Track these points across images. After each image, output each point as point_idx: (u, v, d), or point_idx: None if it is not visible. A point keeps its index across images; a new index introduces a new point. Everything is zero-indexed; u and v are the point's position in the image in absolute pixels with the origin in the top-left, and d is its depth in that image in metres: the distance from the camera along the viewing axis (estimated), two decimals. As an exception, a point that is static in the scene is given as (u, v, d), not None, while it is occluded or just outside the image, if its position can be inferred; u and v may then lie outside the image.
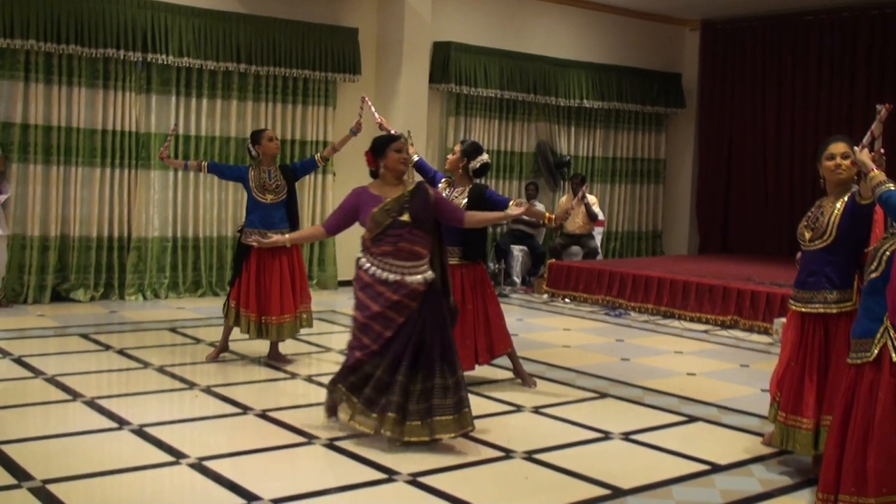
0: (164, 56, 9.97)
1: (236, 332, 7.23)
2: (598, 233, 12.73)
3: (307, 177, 11.07)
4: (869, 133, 4.43)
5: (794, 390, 4.85)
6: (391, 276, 5.15)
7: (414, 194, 5.29)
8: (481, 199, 6.39)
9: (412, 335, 5.13)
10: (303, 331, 8.67)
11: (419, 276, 5.17)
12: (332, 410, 5.54)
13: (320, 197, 11.29)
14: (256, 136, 7.23)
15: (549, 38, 13.19)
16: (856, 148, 4.35)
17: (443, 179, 6.77)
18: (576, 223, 12.24)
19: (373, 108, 7.07)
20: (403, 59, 11.41)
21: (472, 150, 6.64)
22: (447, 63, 11.92)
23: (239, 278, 7.10)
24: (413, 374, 5.10)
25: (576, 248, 12.32)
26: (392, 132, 7.01)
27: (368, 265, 5.21)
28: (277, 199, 7.11)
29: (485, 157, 6.64)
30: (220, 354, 7.28)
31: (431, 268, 5.26)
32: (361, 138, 7.33)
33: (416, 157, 6.93)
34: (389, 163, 5.36)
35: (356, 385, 5.22)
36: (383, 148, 5.38)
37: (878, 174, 4.07)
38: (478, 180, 6.71)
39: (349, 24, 11.31)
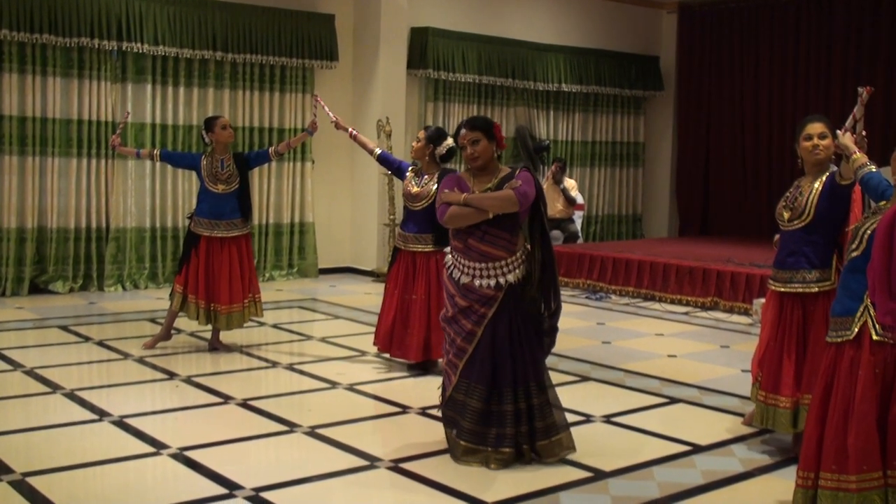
0: (139, 44, 9.89)
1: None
2: (578, 217, 12.75)
3: (286, 164, 11.08)
4: (851, 116, 4.45)
5: (773, 369, 4.89)
6: (463, 279, 4.71)
7: (500, 188, 4.72)
8: None
9: (486, 353, 4.68)
10: (284, 319, 8.70)
11: (491, 280, 4.67)
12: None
13: (299, 184, 11.25)
14: (209, 123, 7.14)
15: (526, 22, 13.16)
16: (838, 131, 4.38)
17: (410, 168, 6.76)
18: (555, 207, 12.24)
19: (326, 108, 7.04)
20: (381, 45, 11.37)
21: (437, 135, 6.62)
22: (425, 49, 11.88)
23: (187, 264, 7.07)
24: (491, 397, 4.70)
25: (556, 233, 12.33)
26: (348, 129, 7.01)
27: (450, 264, 4.81)
28: (229, 190, 7.03)
29: (450, 141, 6.58)
30: (159, 342, 7.23)
31: (526, 273, 4.71)
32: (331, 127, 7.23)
33: (378, 151, 6.91)
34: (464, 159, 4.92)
35: (451, 418, 4.84)
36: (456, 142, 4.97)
37: (860, 157, 4.13)
38: (445, 165, 6.70)
39: (325, 11, 11.25)
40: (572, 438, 4.85)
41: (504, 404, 4.70)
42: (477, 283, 4.69)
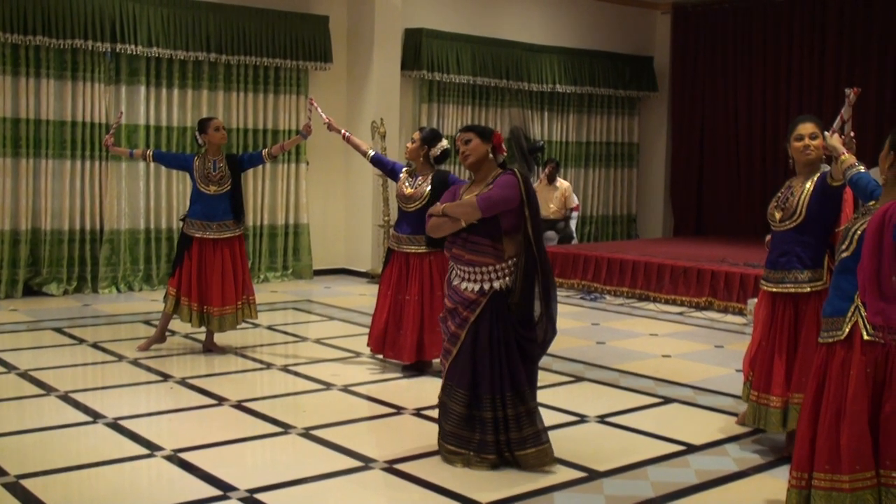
0: (132, 46, 9.87)
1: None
2: (573, 217, 12.76)
3: (281, 166, 11.08)
4: (839, 117, 4.47)
5: (764, 369, 4.90)
6: (454, 281, 4.70)
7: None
8: (445, 185, 6.38)
9: (467, 357, 4.64)
10: (278, 321, 8.69)
11: (476, 285, 4.62)
12: None
13: (294, 186, 11.25)
14: (203, 124, 7.13)
15: (520, 23, 13.17)
16: (826, 133, 4.40)
17: (403, 169, 6.76)
18: (550, 208, 12.26)
19: (320, 110, 7.04)
20: (375, 47, 11.38)
21: (432, 137, 6.64)
22: (419, 50, 11.88)
23: (180, 267, 7.07)
24: (472, 402, 4.64)
25: (551, 233, 12.34)
26: (341, 131, 7.01)
27: (451, 265, 4.79)
28: (221, 191, 7.03)
29: (444, 143, 6.62)
30: (153, 344, 7.22)
31: (514, 281, 4.61)
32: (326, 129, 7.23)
33: (371, 152, 6.92)
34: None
35: (440, 419, 4.83)
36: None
37: (848, 157, 4.15)
38: (439, 167, 6.72)
39: (319, 12, 11.25)
40: (551, 453, 4.70)
41: (483, 411, 4.65)
42: (463, 286, 4.66)
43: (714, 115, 14.36)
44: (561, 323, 8.87)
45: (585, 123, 14.18)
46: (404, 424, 5.55)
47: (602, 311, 9.72)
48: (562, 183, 12.44)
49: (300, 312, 9.30)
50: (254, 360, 7.10)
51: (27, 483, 4.38)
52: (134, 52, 9.92)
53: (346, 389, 6.26)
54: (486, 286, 4.61)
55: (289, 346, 7.74)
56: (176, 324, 7.47)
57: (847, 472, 3.54)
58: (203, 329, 7.26)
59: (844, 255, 3.65)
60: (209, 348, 7.24)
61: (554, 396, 6.09)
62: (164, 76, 10.27)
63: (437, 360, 6.25)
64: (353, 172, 11.59)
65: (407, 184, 6.67)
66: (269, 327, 8.32)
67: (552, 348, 7.57)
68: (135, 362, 6.87)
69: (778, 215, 4.87)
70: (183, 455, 4.82)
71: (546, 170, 12.38)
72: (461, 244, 4.67)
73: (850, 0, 12.80)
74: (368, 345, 6.90)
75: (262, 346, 7.65)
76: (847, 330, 3.57)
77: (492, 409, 4.64)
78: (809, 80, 13.18)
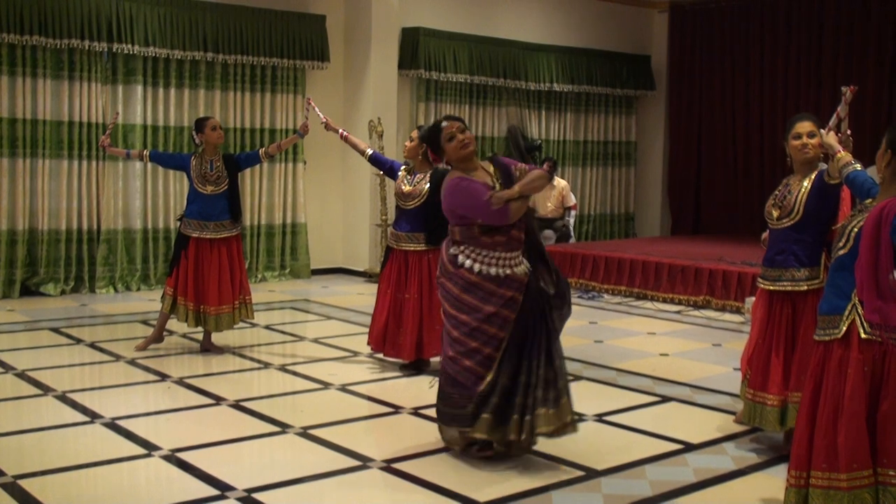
0: (129, 46, 9.86)
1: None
2: (571, 216, 12.75)
3: (278, 165, 11.08)
4: (835, 115, 4.47)
5: (761, 367, 4.90)
6: (501, 272, 4.62)
7: (503, 175, 4.78)
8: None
9: (523, 330, 4.66)
10: (276, 320, 8.69)
11: (524, 266, 4.69)
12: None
13: (291, 185, 11.24)
14: (200, 124, 7.13)
15: (518, 22, 13.17)
16: (822, 130, 4.39)
17: (402, 168, 6.76)
18: (547, 207, 12.25)
19: (317, 109, 7.03)
20: (372, 46, 11.38)
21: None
22: (416, 49, 11.88)
23: (177, 267, 7.06)
24: (514, 370, 4.65)
25: (549, 232, 12.32)
26: (339, 130, 6.99)
27: (471, 262, 4.64)
28: (218, 191, 7.02)
29: None
30: (151, 344, 7.22)
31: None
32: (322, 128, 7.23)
33: (369, 151, 6.91)
34: (450, 156, 4.82)
35: (466, 416, 4.68)
36: (437, 142, 4.83)
37: (844, 155, 4.15)
38: (438, 165, 6.71)
39: (316, 12, 11.24)
40: (565, 419, 4.61)
41: (520, 375, 4.64)
42: (518, 270, 4.67)
43: (711, 114, 14.35)
44: (559, 322, 8.87)
45: (583, 122, 14.18)
46: (402, 424, 5.55)
47: (600, 309, 9.72)
48: (559, 182, 12.43)
49: (298, 312, 9.30)
50: (251, 359, 7.10)
51: (24, 483, 4.38)
52: (131, 52, 9.91)
53: (344, 389, 6.26)
54: (528, 263, 4.72)
55: (286, 345, 7.74)
56: (173, 323, 7.47)
57: (844, 470, 3.54)
58: (200, 329, 7.25)
59: (841, 252, 3.64)
60: (207, 348, 7.24)
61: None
62: (160, 76, 10.26)
63: (435, 360, 6.25)
64: (350, 172, 11.58)
65: (405, 182, 6.67)
66: (267, 327, 8.32)
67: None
68: (132, 362, 6.86)
69: (775, 213, 4.87)
70: (181, 455, 4.81)
71: (544, 168, 12.36)
72: (519, 225, 4.70)
73: (847, -3, 12.83)
74: (369, 343, 6.90)
75: (259, 345, 7.65)
76: (844, 328, 3.57)
77: (527, 374, 4.63)
78: (807, 79, 13.18)
